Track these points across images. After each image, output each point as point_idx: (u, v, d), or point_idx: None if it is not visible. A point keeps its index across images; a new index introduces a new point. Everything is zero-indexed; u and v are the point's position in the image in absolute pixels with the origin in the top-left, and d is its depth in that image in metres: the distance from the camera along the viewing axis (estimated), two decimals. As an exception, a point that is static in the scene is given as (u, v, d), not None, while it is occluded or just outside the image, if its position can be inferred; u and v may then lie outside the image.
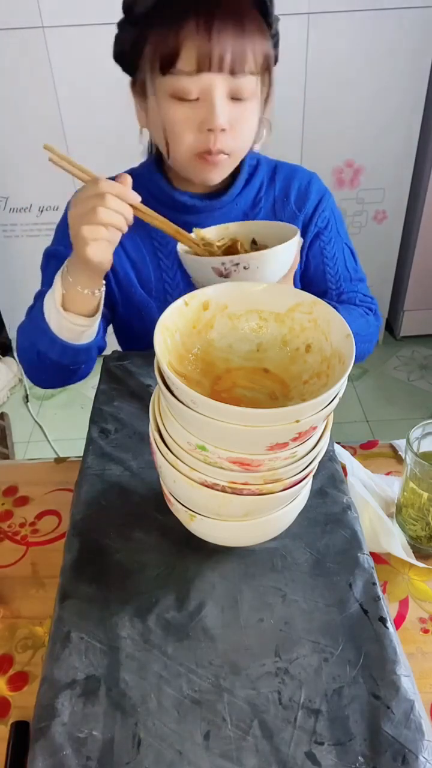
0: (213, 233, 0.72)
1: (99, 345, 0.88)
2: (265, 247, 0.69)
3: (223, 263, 0.63)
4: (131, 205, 0.65)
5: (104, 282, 0.75)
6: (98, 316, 0.78)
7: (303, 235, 0.93)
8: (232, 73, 0.70)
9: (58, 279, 0.74)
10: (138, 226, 0.73)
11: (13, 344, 2.32)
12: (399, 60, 1.77)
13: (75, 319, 0.75)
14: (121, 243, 0.90)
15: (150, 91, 0.75)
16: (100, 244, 0.66)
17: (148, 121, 0.79)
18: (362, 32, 1.72)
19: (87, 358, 0.82)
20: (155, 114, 0.76)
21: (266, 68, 0.74)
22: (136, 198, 0.65)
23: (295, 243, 0.66)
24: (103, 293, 0.76)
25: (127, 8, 0.73)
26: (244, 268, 0.63)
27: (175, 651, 0.52)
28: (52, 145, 0.63)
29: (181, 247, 0.70)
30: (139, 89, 0.77)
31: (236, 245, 0.71)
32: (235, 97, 0.73)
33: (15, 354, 2.32)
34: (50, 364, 0.80)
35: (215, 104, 0.71)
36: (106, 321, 0.96)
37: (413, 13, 1.70)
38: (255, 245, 0.72)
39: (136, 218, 0.67)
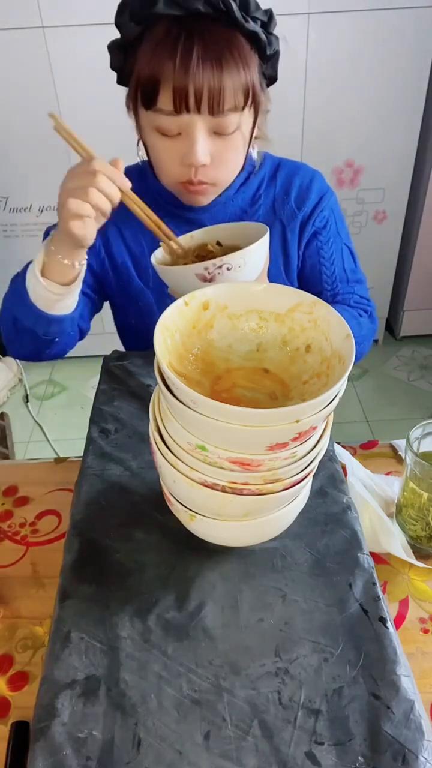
0: (180, 243, 0.73)
1: (79, 326, 0.88)
2: (237, 247, 0.70)
3: (206, 268, 0.64)
4: (121, 190, 0.66)
5: (86, 256, 0.75)
6: (74, 288, 0.77)
7: (300, 233, 0.93)
8: (212, 113, 0.70)
9: (41, 247, 0.75)
10: (137, 218, 0.74)
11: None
12: (399, 60, 1.77)
13: (50, 286, 0.75)
14: (121, 235, 0.90)
15: (135, 113, 0.75)
16: (84, 221, 0.67)
17: (140, 135, 0.80)
18: (362, 32, 1.72)
19: (60, 331, 0.81)
20: (144, 135, 0.77)
21: (252, 100, 0.73)
22: (127, 183, 0.66)
23: (266, 240, 0.67)
24: (84, 267, 0.76)
25: (117, 27, 0.73)
26: (228, 269, 0.64)
27: (175, 651, 0.52)
28: (57, 114, 0.64)
29: (156, 261, 0.70)
30: (131, 106, 0.77)
31: (206, 248, 0.72)
32: (217, 132, 0.73)
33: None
34: (23, 330, 0.80)
35: (195, 142, 0.72)
36: (93, 305, 0.96)
37: (413, 13, 1.70)
38: (220, 246, 0.73)
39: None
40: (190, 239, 0.74)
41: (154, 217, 0.70)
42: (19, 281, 0.78)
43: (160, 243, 0.73)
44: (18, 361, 2.31)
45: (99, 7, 1.61)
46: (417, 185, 2.02)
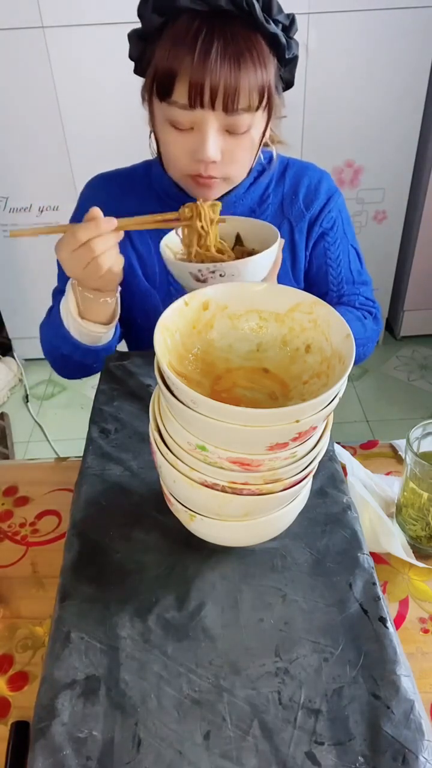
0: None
1: (118, 340, 0.93)
2: (246, 248, 0.72)
3: (200, 270, 0.65)
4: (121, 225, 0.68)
5: (119, 289, 0.78)
6: (115, 322, 0.82)
7: (308, 234, 0.93)
8: (226, 111, 0.70)
9: (69, 291, 0.77)
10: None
11: (13, 344, 2.32)
12: (399, 60, 1.77)
13: (93, 327, 0.79)
14: (127, 234, 0.91)
15: (149, 104, 0.75)
16: (114, 277, 0.72)
17: (153, 125, 0.80)
18: (362, 32, 1.72)
19: (107, 353, 0.86)
20: (157, 126, 0.77)
21: (267, 102, 0.73)
22: (113, 224, 0.67)
23: (273, 251, 0.67)
24: (118, 299, 0.80)
25: (139, 17, 0.73)
26: (220, 275, 0.65)
27: (175, 651, 0.52)
28: (18, 231, 0.66)
29: (164, 249, 0.71)
30: (144, 95, 0.77)
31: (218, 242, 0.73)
32: (229, 131, 0.73)
33: (15, 354, 2.32)
34: (74, 363, 0.86)
35: (206, 139, 0.72)
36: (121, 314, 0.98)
37: (413, 13, 1.70)
38: (239, 242, 0.74)
39: (142, 211, 0.69)
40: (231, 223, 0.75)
41: (157, 218, 0.70)
42: (55, 320, 0.83)
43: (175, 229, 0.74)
44: (18, 361, 2.31)
45: (99, 7, 1.61)
46: (417, 185, 2.02)
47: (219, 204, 0.72)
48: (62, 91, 1.76)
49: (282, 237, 0.91)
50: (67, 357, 0.85)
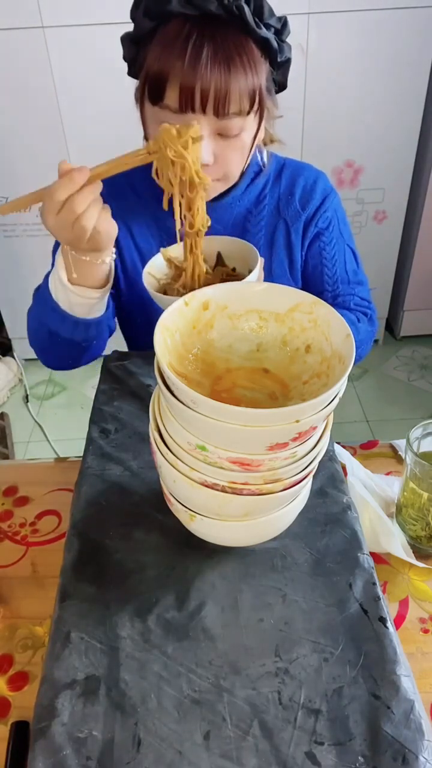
0: (179, 250, 0.72)
1: (109, 324, 0.87)
2: (227, 268, 0.71)
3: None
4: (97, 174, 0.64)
5: (114, 249, 0.74)
6: (108, 288, 0.77)
7: (303, 234, 0.93)
8: (217, 115, 0.70)
9: (59, 257, 0.73)
10: (146, 215, 0.72)
11: (13, 344, 2.32)
12: (399, 60, 1.77)
13: (83, 291, 0.74)
14: (130, 232, 0.90)
15: (145, 107, 0.75)
16: (103, 236, 0.67)
17: (145, 129, 0.79)
18: (362, 32, 1.72)
19: (97, 334, 0.81)
20: (149, 129, 0.76)
21: (258, 104, 0.73)
22: (85, 173, 0.63)
23: (254, 275, 0.66)
24: (112, 262, 0.75)
25: (132, 20, 0.73)
26: None
27: (175, 651, 0.52)
28: (3, 208, 0.63)
29: (146, 276, 0.70)
30: (137, 98, 0.77)
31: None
32: (221, 134, 0.73)
33: (15, 354, 2.32)
34: (61, 342, 0.80)
35: None
36: (115, 304, 0.95)
37: (413, 13, 1.70)
38: (220, 261, 0.73)
39: (143, 208, 0.68)
40: (211, 242, 0.73)
41: (127, 156, 0.66)
42: (43, 294, 0.78)
43: (161, 249, 0.73)
44: (18, 361, 2.31)
45: (99, 7, 1.61)
46: (417, 185, 2.02)
47: (193, 125, 0.60)
48: (62, 91, 1.76)
49: (278, 237, 0.92)
50: (54, 333, 0.79)
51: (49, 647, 0.54)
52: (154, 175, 0.64)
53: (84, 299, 0.75)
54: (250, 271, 0.68)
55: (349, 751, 0.46)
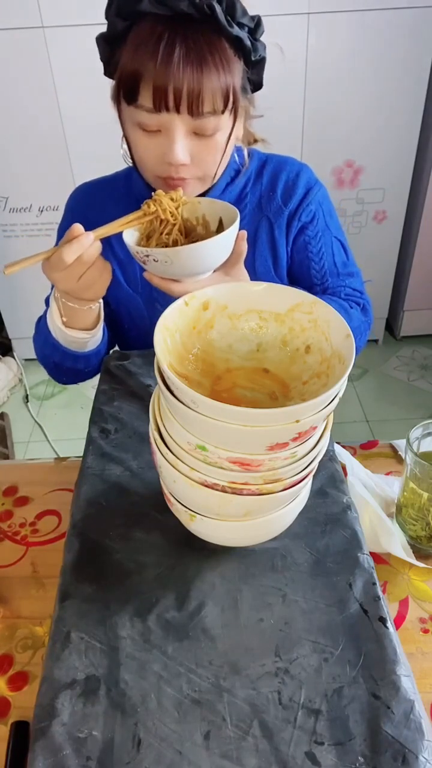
0: (187, 209, 0.76)
1: (107, 342, 0.95)
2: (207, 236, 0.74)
3: (137, 252, 0.69)
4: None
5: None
6: (100, 326, 0.84)
7: (287, 229, 0.92)
8: (191, 114, 0.70)
9: (52, 301, 0.80)
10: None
11: (13, 344, 2.32)
12: (399, 60, 1.77)
13: (77, 334, 0.81)
14: (108, 241, 0.91)
15: (121, 106, 0.76)
16: (105, 284, 0.75)
17: (123, 127, 0.80)
18: (362, 32, 1.72)
19: (98, 360, 0.89)
20: (125, 128, 0.77)
21: (233, 103, 0.73)
22: (90, 238, 0.69)
23: (208, 243, 0.68)
24: (101, 305, 0.82)
25: (106, 19, 0.74)
26: (154, 260, 0.69)
27: (175, 651, 0.52)
28: (11, 267, 0.67)
29: (126, 233, 0.73)
30: (115, 99, 0.77)
31: (192, 223, 0.76)
32: (197, 133, 0.73)
33: (15, 354, 2.32)
34: (67, 370, 0.90)
35: (173, 142, 0.72)
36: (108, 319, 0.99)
37: (413, 13, 1.70)
38: (222, 226, 0.76)
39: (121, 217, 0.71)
40: (198, 204, 0.76)
41: (129, 218, 0.73)
42: (44, 330, 0.85)
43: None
44: (18, 361, 2.31)
45: (99, 7, 1.61)
46: (417, 185, 2.02)
47: (178, 191, 0.74)
48: (62, 91, 1.76)
49: (261, 235, 0.91)
50: (59, 365, 0.88)
51: (49, 647, 0.54)
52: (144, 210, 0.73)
53: (78, 339, 0.82)
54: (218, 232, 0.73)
55: (349, 751, 0.46)
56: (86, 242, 0.68)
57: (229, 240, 0.71)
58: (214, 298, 0.55)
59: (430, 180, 1.98)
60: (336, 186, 1.98)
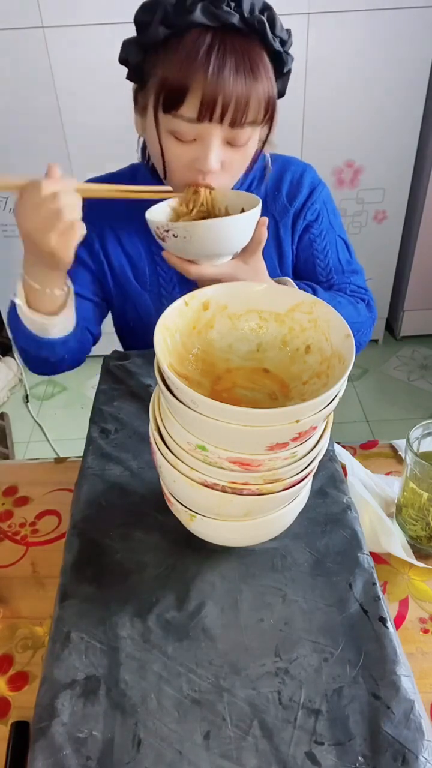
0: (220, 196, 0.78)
1: (90, 331, 0.90)
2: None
3: (157, 227, 0.69)
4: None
5: (68, 280, 0.76)
6: (66, 313, 0.78)
7: (293, 228, 0.93)
8: (232, 125, 0.71)
9: (18, 282, 0.76)
10: (134, 220, 0.73)
11: (13, 344, 2.32)
12: (399, 60, 1.77)
13: (40, 318, 0.76)
14: (118, 238, 0.91)
15: (150, 114, 0.75)
16: (73, 244, 0.67)
17: (146, 134, 0.79)
18: (362, 32, 1.72)
19: (66, 350, 0.82)
20: (153, 135, 0.76)
21: (271, 114, 0.74)
22: (73, 184, 0.66)
23: (231, 220, 0.69)
24: (71, 290, 0.77)
25: (136, 26, 0.72)
26: (174, 236, 0.69)
27: (175, 651, 0.52)
28: None
29: (155, 212, 0.73)
30: (141, 103, 0.77)
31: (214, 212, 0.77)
32: (231, 143, 0.74)
33: (15, 354, 2.32)
34: (33, 357, 0.83)
35: (209, 150, 0.72)
36: (100, 309, 0.97)
37: (413, 13, 1.70)
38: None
39: (131, 213, 0.70)
40: (223, 196, 0.77)
41: (122, 188, 0.71)
42: (12, 313, 0.80)
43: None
44: (18, 361, 2.31)
45: (99, 7, 1.61)
46: (417, 185, 2.02)
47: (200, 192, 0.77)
48: (62, 91, 1.76)
49: (267, 234, 0.92)
50: (24, 350, 0.83)
51: (49, 647, 0.54)
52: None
53: (40, 323, 0.76)
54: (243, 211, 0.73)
55: (349, 751, 0.46)
56: (69, 183, 0.66)
57: (249, 222, 0.71)
58: (214, 298, 0.56)
59: (430, 180, 1.98)
60: (336, 186, 1.98)
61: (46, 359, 0.83)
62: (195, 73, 0.68)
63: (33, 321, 0.76)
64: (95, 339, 0.94)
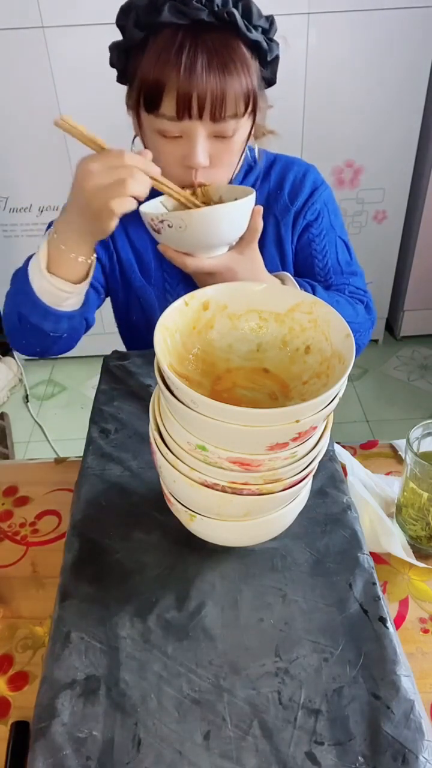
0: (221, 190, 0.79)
1: (86, 318, 0.87)
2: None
3: (152, 219, 0.69)
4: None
5: (96, 251, 0.75)
6: (85, 285, 0.76)
7: (293, 227, 0.94)
8: (213, 120, 0.71)
9: (44, 242, 0.73)
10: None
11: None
12: (399, 60, 1.77)
13: (59, 283, 0.73)
14: (125, 231, 0.91)
15: (137, 114, 0.76)
16: (118, 214, 0.66)
17: (139, 134, 0.80)
18: (362, 32, 1.72)
19: (69, 327, 0.80)
20: (143, 135, 0.77)
21: (253, 105, 0.74)
22: (157, 170, 0.67)
23: (223, 207, 0.70)
24: (94, 262, 0.76)
25: (119, 28, 0.73)
26: (168, 226, 0.68)
27: (175, 651, 0.52)
28: (67, 117, 0.63)
29: (145, 205, 0.73)
30: (130, 105, 0.78)
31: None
32: (217, 136, 0.74)
33: (15, 354, 2.32)
34: (30, 328, 0.78)
35: (195, 145, 0.73)
36: (99, 298, 0.96)
37: (413, 13, 1.70)
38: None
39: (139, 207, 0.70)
40: (217, 189, 0.79)
41: (183, 192, 0.72)
42: (21, 276, 0.77)
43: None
44: (18, 361, 2.31)
45: (99, 7, 1.61)
46: (417, 185, 2.02)
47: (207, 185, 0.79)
48: (62, 91, 1.76)
49: (268, 233, 0.92)
50: (24, 317, 0.78)
51: (49, 647, 0.54)
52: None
53: (55, 289, 0.74)
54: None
55: (349, 751, 0.46)
56: (154, 168, 0.66)
57: (244, 210, 0.72)
58: (214, 297, 0.56)
59: (430, 180, 1.97)
60: (336, 186, 1.98)
61: (46, 334, 0.79)
62: (169, 73, 0.68)
63: (49, 285, 0.73)
64: (88, 327, 0.91)
